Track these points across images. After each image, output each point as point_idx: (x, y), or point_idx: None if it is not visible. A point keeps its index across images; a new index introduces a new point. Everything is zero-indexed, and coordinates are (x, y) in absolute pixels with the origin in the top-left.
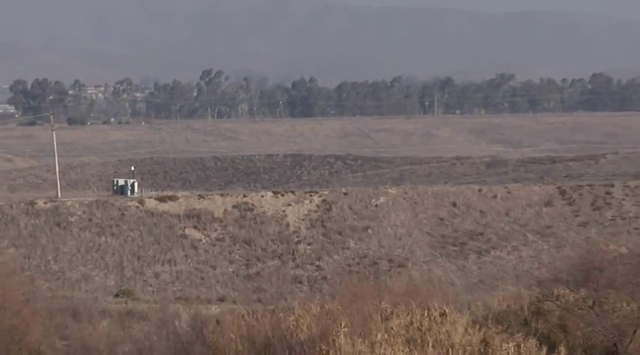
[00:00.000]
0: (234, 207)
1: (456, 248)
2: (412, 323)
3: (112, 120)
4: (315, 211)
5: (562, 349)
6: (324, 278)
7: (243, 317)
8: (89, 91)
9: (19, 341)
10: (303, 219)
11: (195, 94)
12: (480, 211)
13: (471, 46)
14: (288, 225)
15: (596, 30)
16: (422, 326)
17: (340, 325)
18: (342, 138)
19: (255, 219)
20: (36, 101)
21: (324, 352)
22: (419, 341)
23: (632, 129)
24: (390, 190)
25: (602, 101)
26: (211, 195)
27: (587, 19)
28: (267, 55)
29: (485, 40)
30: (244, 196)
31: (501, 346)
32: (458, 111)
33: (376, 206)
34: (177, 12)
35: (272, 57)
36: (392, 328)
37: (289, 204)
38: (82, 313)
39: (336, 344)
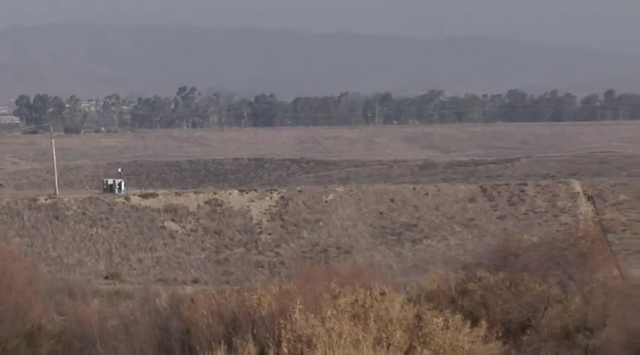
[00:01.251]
0: (205, 202)
1: (393, 237)
2: (357, 301)
3: (103, 129)
4: (275, 206)
5: (484, 323)
6: (282, 263)
7: (213, 296)
8: (83, 105)
9: (23, 317)
10: (264, 213)
11: (172, 107)
12: (414, 206)
13: (406, 66)
14: (251, 218)
15: (512, 52)
16: (365, 303)
17: (296, 303)
18: (297, 144)
19: (223, 213)
20: (37, 113)
21: (282, 326)
22: (362, 316)
23: (542, 136)
24: (337, 189)
25: (517, 113)
26: (186, 192)
27: (505, 43)
28: (235, 74)
29: (419, 62)
30: (214, 194)
31: (432, 320)
32: (395, 122)
33: (326, 202)
34: (158, 38)
35: (238, 76)
36: (339, 305)
37: (252, 201)
38: (76, 293)
39: (292, 319)
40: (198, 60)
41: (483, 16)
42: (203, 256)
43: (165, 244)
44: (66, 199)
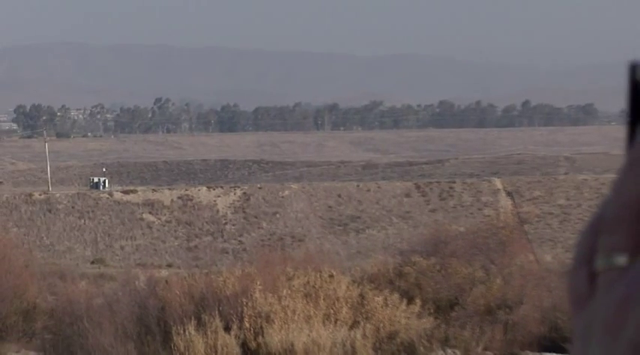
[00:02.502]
0: (178, 197)
1: (340, 227)
2: (308, 282)
3: (89, 134)
4: (238, 201)
5: (418, 301)
6: (244, 249)
7: (185, 278)
8: (72, 113)
9: (20, 296)
10: (229, 207)
11: (150, 116)
12: (358, 201)
13: (352, 80)
14: (217, 211)
15: (443, 68)
16: (315, 284)
17: (256, 284)
18: (257, 147)
19: (193, 206)
20: (33, 120)
21: (244, 304)
22: (313, 295)
23: (467, 141)
24: (292, 186)
25: (446, 120)
26: (162, 189)
27: (436, 60)
28: (203, 87)
29: (363, 76)
30: (186, 190)
31: (373, 299)
32: (342, 128)
33: (282, 197)
34: (136, 56)
35: (206, 88)
36: (294, 286)
37: (219, 196)
38: (66, 275)
39: (253, 298)
40: (171, 74)
41: (419, 36)
42: (176, 244)
43: (143, 233)
44: (57, 195)
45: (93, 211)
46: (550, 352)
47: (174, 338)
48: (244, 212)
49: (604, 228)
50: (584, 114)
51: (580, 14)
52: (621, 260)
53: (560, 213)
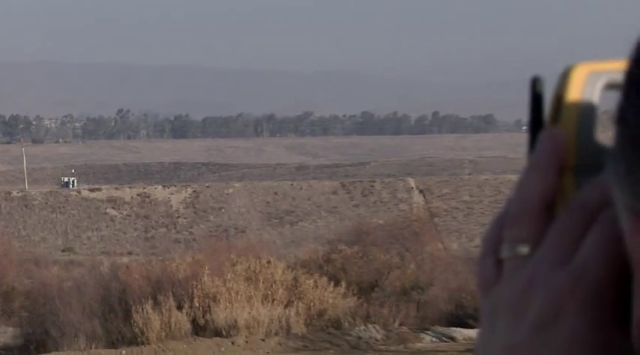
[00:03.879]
0: (137, 195)
1: (277, 220)
2: (249, 267)
3: (60, 140)
4: (189, 197)
5: (343, 284)
6: (194, 239)
7: (143, 264)
8: (45, 122)
9: (0, 280)
10: (181, 203)
11: (113, 124)
12: (292, 197)
13: (286, 93)
14: (171, 206)
15: (365, 82)
16: (255, 269)
17: (204, 269)
18: (205, 152)
19: (150, 202)
20: (11, 128)
21: (194, 286)
22: (253, 278)
23: (386, 146)
24: (235, 185)
25: (368, 128)
26: (123, 187)
27: (358, 75)
28: (159, 100)
29: (296, 90)
30: (144, 188)
31: (305, 282)
32: (278, 135)
33: (227, 194)
34: (100, 72)
35: (162, 101)
36: (237, 270)
37: (172, 193)
38: (41, 262)
39: (202, 281)
40: (131, 89)
41: (347, 55)
42: (135, 235)
43: (107, 226)
44: (33, 192)
45: (63, 206)
46: (456, 326)
47: (134, 315)
48: (194, 207)
49: (508, 222)
50: (485, 124)
51: (481, 39)
52: (524, 250)
53: (465, 207)
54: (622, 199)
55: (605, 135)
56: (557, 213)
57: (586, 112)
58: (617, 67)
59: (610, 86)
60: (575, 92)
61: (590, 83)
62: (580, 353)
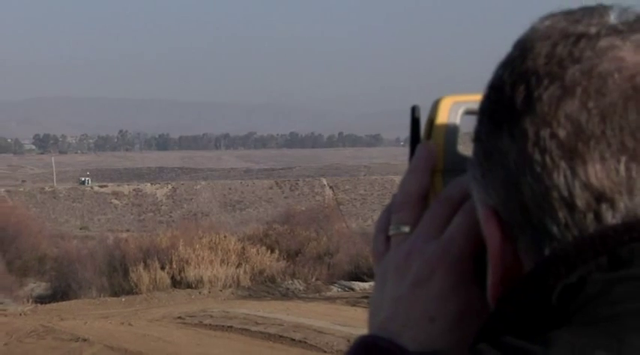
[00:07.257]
0: (133, 190)
1: (230, 207)
2: (212, 240)
3: (79, 152)
4: (169, 192)
5: (277, 251)
6: (173, 221)
7: (136, 238)
8: (68, 139)
9: (36, 249)
10: (164, 195)
11: (115, 140)
12: (241, 192)
13: (237, 120)
14: (157, 198)
15: (291, 110)
16: (216, 241)
17: (180, 241)
18: (181, 160)
19: (142, 195)
20: (44, 143)
21: (172, 253)
22: (214, 248)
23: (307, 156)
24: (202, 183)
25: (294, 144)
26: (123, 184)
27: (286, 106)
28: (148, 123)
29: (244, 115)
30: (137, 185)
31: (250, 250)
32: (232, 148)
33: (196, 189)
34: (107, 104)
35: (150, 124)
36: (203, 242)
37: (157, 189)
38: (65, 236)
39: (178, 249)
40: (128, 115)
41: (278, 90)
42: (132, 218)
43: (112, 211)
44: (59, 188)
45: (81, 198)
46: (355, 280)
47: (131, 274)
48: (173, 198)
49: (394, 209)
50: (375, 140)
51: (373, 77)
52: (406, 229)
53: (361, 198)
54: (477, 195)
55: (467, 148)
56: (430, 203)
57: (451, 130)
58: (474, 99)
59: (469, 112)
60: (443, 117)
61: (453, 110)
62: (446, 303)
